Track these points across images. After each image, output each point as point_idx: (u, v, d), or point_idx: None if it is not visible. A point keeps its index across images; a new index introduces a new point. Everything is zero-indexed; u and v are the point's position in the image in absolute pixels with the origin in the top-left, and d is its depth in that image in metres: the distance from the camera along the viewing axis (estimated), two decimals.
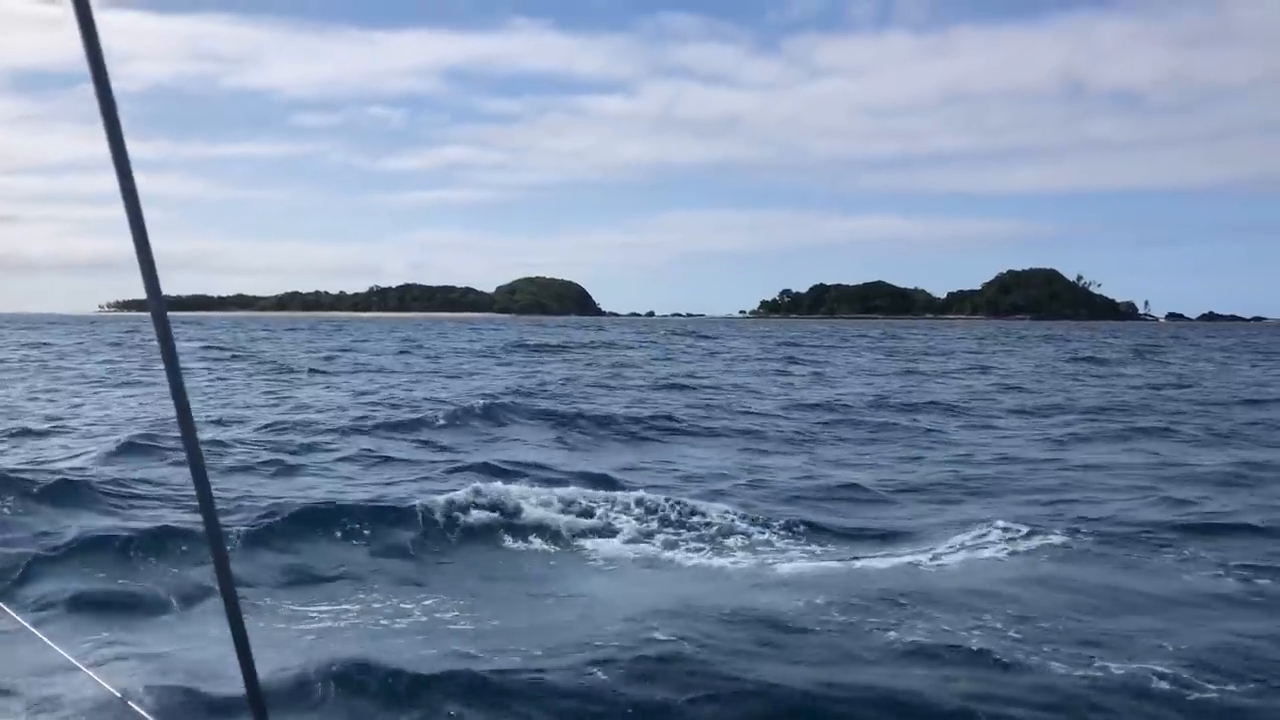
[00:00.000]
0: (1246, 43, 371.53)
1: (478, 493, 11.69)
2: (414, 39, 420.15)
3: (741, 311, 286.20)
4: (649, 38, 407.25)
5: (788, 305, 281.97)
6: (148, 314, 1.60)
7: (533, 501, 11.69)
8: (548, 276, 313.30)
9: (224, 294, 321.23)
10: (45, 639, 4.20)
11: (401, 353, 53.05)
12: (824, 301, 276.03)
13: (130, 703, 3.00)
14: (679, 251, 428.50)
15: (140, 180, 1.55)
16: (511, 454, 16.57)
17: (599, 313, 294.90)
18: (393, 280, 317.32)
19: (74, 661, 3.85)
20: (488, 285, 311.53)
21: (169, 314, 1.59)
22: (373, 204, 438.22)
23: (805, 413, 23.77)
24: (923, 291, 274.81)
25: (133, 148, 1.55)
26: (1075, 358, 53.44)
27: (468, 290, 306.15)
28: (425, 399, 24.98)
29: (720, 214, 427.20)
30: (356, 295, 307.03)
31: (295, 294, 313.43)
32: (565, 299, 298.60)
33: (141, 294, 1.57)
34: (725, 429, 20.79)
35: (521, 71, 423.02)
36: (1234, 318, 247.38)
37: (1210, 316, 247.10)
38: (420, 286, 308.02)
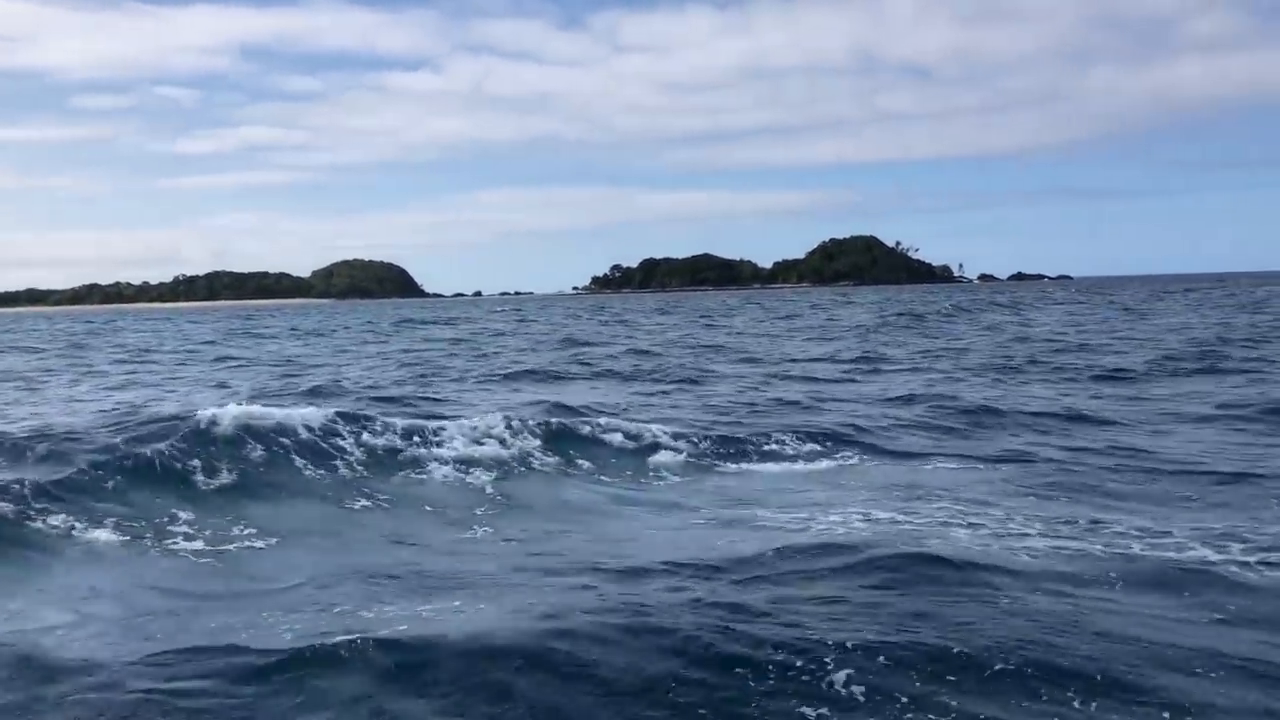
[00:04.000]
0: (1021, 18, 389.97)
1: None
2: (205, 14, 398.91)
3: (575, 288, 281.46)
4: (452, 13, 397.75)
5: (619, 280, 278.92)
6: None
7: None
8: (365, 259, 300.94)
9: (13, 289, 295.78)
10: None
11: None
12: (654, 275, 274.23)
13: None
14: (501, 230, 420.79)
15: None
16: None
17: (422, 294, 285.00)
18: (197, 269, 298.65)
19: None
20: (302, 270, 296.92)
21: None
22: (169, 189, 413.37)
23: None
24: (749, 262, 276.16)
25: None
26: None
27: (282, 276, 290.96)
28: None
29: (539, 191, 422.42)
30: (161, 285, 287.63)
31: (94, 287, 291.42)
32: (386, 281, 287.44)
33: None
34: None
35: (321, 49, 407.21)
36: (1040, 276, 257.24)
37: (1019, 276, 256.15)
38: (230, 274, 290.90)
